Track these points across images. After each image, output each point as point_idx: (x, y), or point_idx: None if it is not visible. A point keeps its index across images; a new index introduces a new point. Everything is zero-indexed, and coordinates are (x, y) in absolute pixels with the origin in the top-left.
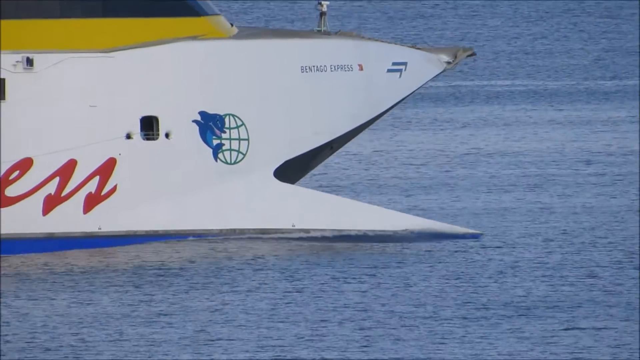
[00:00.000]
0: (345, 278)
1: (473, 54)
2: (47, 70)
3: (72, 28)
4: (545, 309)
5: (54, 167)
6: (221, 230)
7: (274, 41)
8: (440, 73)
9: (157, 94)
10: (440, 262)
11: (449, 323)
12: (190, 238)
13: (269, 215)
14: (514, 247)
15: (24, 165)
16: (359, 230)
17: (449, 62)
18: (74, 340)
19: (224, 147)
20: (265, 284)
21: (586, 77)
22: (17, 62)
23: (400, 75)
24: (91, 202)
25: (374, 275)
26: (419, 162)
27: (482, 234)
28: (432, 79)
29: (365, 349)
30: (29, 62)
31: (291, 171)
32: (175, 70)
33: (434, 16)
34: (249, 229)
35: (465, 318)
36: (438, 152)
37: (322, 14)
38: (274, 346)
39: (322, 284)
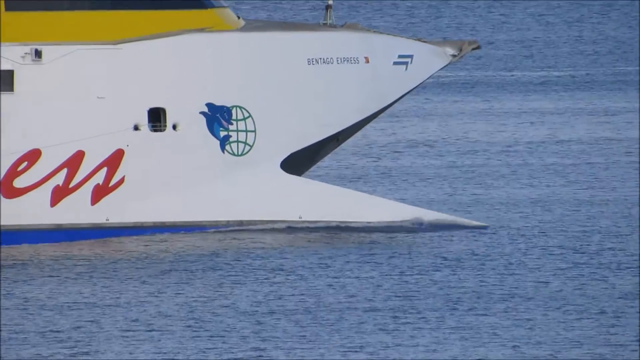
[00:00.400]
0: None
1: (478, 47)
2: (56, 62)
3: (80, 20)
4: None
5: (62, 159)
6: (228, 221)
7: (280, 34)
8: (446, 66)
9: (165, 85)
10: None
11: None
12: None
13: (276, 207)
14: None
15: (32, 156)
16: (365, 222)
17: (454, 55)
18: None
19: (231, 139)
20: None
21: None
22: (26, 53)
23: (406, 68)
24: (99, 194)
25: (379, 265)
26: (424, 151)
27: (488, 226)
28: (438, 72)
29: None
30: (38, 54)
31: (297, 163)
32: (183, 62)
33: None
34: (255, 221)
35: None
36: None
37: (328, 6)
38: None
39: (353, 277)
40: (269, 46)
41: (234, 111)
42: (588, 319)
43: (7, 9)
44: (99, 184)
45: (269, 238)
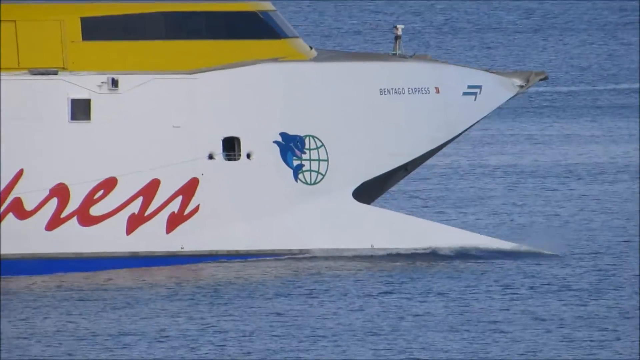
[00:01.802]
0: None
1: (545, 78)
2: (132, 91)
3: (156, 49)
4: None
5: (137, 187)
6: (301, 250)
7: (353, 64)
8: (514, 96)
9: (239, 115)
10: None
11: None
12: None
13: (349, 235)
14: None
15: (109, 184)
16: (436, 250)
17: (521, 86)
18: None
19: (304, 168)
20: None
21: None
22: (102, 82)
23: (475, 99)
24: (174, 222)
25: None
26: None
27: (560, 255)
28: (505, 102)
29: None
30: (114, 83)
31: (367, 192)
32: (257, 91)
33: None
34: (328, 249)
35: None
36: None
37: (397, 37)
38: None
39: (421, 301)
40: (342, 76)
41: (307, 140)
42: None
43: (84, 38)
44: (174, 212)
45: (350, 265)
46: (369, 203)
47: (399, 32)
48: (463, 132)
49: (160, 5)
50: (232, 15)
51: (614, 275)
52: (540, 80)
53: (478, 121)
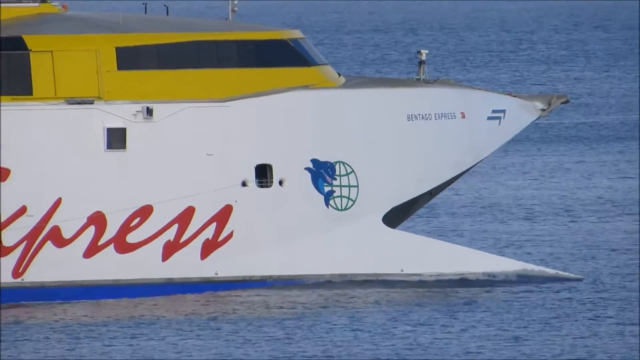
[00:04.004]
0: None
1: (567, 101)
2: (166, 119)
3: (189, 78)
4: None
5: (173, 214)
6: (332, 275)
7: (381, 90)
8: (536, 120)
9: (271, 142)
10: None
11: None
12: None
13: (379, 260)
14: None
15: (144, 212)
16: (467, 273)
17: (543, 109)
18: None
19: (334, 194)
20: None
21: None
22: (137, 111)
23: (499, 123)
24: (208, 248)
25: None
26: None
27: (582, 279)
28: (528, 126)
29: None
30: (149, 111)
31: (394, 217)
32: (288, 118)
33: None
34: (359, 274)
35: None
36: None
37: (421, 62)
38: None
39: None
40: (371, 102)
41: (337, 167)
42: None
43: (120, 67)
44: (208, 238)
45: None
46: (394, 227)
47: (423, 57)
48: (487, 156)
49: (193, 35)
50: (263, 44)
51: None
52: (562, 103)
53: (502, 145)
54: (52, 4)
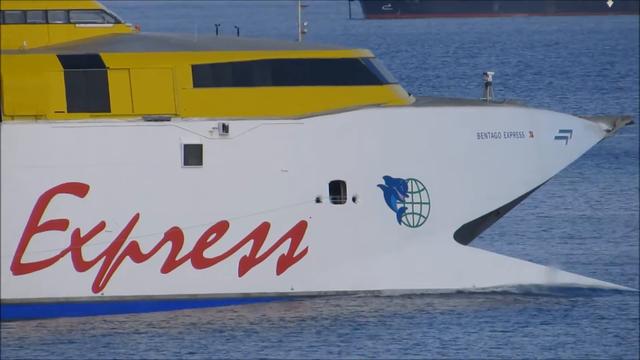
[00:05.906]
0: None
1: (631, 122)
2: (242, 136)
3: (264, 95)
4: None
5: (249, 230)
6: (405, 290)
7: (451, 109)
8: (601, 141)
9: (344, 159)
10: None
11: None
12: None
13: (451, 276)
14: None
15: (221, 228)
16: (534, 286)
17: (608, 130)
18: None
19: (407, 211)
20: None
21: None
22: (214, 128)
23: (566, 142)
24: (284, 264)
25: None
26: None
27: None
28: (593, 147)
29: None
30: (225, 128)
31: (463, 234)
32: (361, 136)
33: None
34: (432, 290)
35: None
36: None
37: (488, 83)
38: None
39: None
40: (442, 121)
41: (409, 184)
42: None
43: (195, 85)
44: (284, 254)
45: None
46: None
47: (489, 79)
48: (553, 176)
49: (267, 54)
50: (336, 63)
51: None
52: (627, 124)
53: (568, 165)
54: (126, 24)
